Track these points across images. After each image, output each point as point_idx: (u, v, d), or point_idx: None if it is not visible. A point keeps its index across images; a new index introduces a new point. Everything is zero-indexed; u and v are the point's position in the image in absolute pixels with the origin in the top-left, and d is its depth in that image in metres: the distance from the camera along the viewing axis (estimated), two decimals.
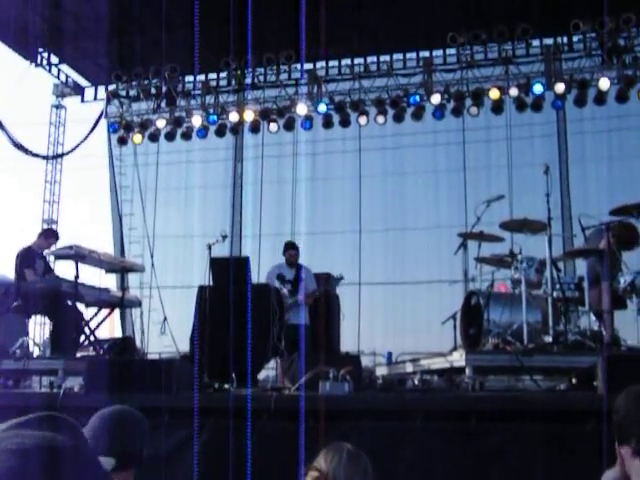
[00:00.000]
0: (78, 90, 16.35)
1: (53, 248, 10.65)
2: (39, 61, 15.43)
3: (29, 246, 10.27)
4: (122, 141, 14.90)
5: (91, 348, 10.12)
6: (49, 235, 10.66)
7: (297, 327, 10.25)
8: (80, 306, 10.09)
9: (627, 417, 2.44)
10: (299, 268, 11.07)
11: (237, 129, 14.62)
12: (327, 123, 13.93)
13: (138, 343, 11.44)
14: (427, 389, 8.42)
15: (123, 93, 14.92)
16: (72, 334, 9.85)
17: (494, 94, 12.93)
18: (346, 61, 14.25)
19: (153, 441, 5.03)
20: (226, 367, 7.43)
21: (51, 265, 10.55)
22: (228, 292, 8.34)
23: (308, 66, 14.21)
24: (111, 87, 15.05)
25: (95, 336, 10.08)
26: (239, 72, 13.93)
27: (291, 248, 11.21)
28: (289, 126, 14.11)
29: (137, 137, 14.67)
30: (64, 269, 10.13)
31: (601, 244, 8.84)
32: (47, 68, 15.71)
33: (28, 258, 10.03)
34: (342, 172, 15.43)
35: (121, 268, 10.95)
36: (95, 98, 16.07)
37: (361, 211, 14.99)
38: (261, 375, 9.69)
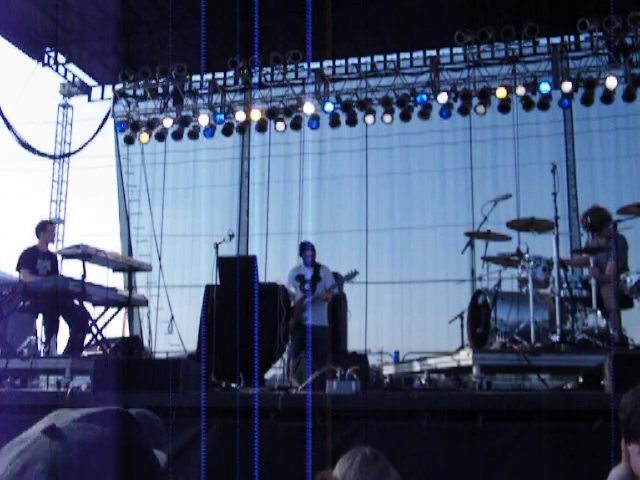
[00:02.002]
0: (85, 89, 16.37)
1: (60, 246, 10.68)
2: (46, 60, 15.45)
3: (34, 246, 10.33)
4: (129, 140, 14.92)
5: (98, 347, 10.14)
6: (44, 226, 10.67)
7: (313, 327, 10.24)
8: (87, 305, 10.11)
9: (633, 415, 2.43)
10: (318, 267, 11.04)
11: (244, 128, 14.63)
12: (334, 122, 13.92)
13: (145, 342, 11.44)
14: (434, 388, 8.41)
15: (130, 92, 14.94)
16: (79, 333, 9.88)
17: (501, 93, 12.91)
18: (353, 60, 14.26)
19: None
20: (233, 366, 7.43)
21: (59, 265, 10.57)
22: (235, 291, 8.35)
23: (315, 65, 14.21)
24: (118, 86, 15.07)
25: (102, 335, 10.10)
26: (246, 71, 13.94)
27: (308, 249, 11.15)
28: (296, 125, 14.11)
29: (144, 136, 14.69)
30: (71, 268, 10.17)
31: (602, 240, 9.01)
32: (54, 67, 15.73)
33: (27, 258, 10.10)
34: (349, 171, 15.42)
35: (128, 267, 10.96)
36: (102, 97, 16.09)
37: (368, 210, 14.97)
38: (268, 374, 9.70)
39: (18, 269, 10.00)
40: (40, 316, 10.48)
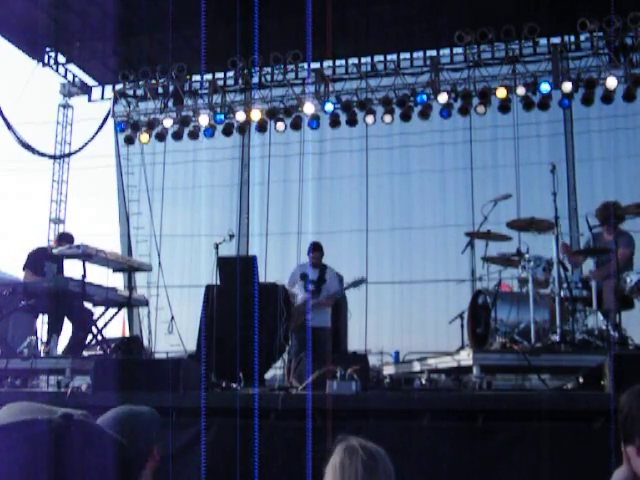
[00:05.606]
0: (85, 89, 16.37)
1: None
2: (46, 61, 15.45)
3: (43, 247, 10.32)
4: (129, 140, 14.92)
5: (98, 347, 10.13)
6: (64, 239, 10.62)
7: (316, 329, 10.16)
8: (88, 305, 10.10)
9: (630, 416, 2.43)
10: (324, 269, 10.96)
11: (244, 128, 14.62)
12: (334, 122, 13.92)
13: (145, 342, 11.44)
14: (434, 388, 8.42)
15: (130, 92, 14.94)
16: (80, 333, 9.87)
17: (501, 93, 12.92)
18: (353, 60, 14.24)
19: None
20: (233, 366, 7.43)
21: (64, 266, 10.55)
22: (235, 291, 8.34)
23: (315, 65, 14.20)
24: (118, 86, 15.06)
25: (103, 335, 10.08)
26: (246, 71, 13.93)
27: (315, 250, 11.00)
28: (296, 125, 14.11)
29: (144, 136, 14.69)
30: (71, 268, 10.16)
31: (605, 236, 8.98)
32: (54, 68, 15.73)
33: (34, 259, 10.07)
34: (349, 171, 15.42)
35: (128, 267, 10.94)
36: (102, 97, 16.08)
37: (368, 210, 14.98)
38: (268, 374, 9.70)
39: (24, 269, 9.98)
40: (40, 316, 10.47)
